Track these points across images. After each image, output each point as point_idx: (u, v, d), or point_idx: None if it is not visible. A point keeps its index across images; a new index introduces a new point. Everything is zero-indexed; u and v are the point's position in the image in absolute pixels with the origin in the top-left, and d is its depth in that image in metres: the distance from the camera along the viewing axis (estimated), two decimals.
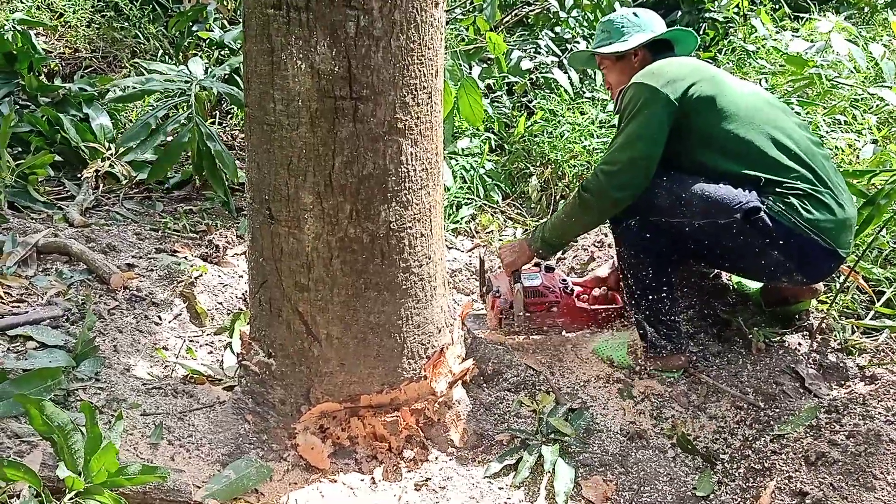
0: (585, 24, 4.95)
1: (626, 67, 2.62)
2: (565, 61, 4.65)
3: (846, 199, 2.28)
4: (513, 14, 5.28)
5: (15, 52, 3.78)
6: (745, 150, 2.26)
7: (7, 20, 4.04)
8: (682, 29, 2.65)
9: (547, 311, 2.74)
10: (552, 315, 2.75)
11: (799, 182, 2.22)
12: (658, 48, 2.59)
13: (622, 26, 2.62)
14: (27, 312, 2.43)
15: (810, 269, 2.30)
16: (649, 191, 2.31)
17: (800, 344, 2.57)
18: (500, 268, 2.93)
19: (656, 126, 2.28)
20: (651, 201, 2.31)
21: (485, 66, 4.66)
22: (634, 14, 2.64)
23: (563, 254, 3.40)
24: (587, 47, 3.60)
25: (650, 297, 2.43)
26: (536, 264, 2.84)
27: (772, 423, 2.26)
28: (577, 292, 2.83)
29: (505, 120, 4.61)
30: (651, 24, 2.62)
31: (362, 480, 2.08)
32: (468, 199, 3.96)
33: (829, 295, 2.74)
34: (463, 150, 4.18)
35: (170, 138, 3.55)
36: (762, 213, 2.18)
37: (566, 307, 2.76)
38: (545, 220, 2.69)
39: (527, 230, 3.76)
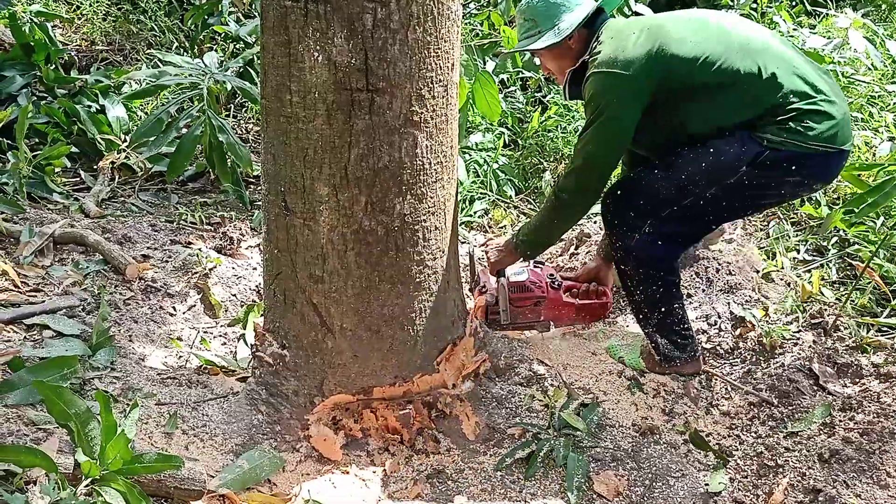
0: None
1: (564, 52, 2.41)
2: None
3: (834, 92, 2.22)
4: None
5: (32, 44, 3.81)
6: (731, 84, 2.18)
7: (25, 12, 4.07)
8: None
9: (533, 306, 2.73)
10: (538, 310, 2.73)
11: (791, 98, 2.16)
12: (590, 19, 2.37)
13: (546, 10, 2.34)
14: (44, 302, 2.46)
15: (825, 175, 2.32)
16: (650, 190, 2.29)
17: (814, 341, 2.55)
18: None
19: (629, 111, 2.24)
20: (656, 197, 2.29)
21: (499, 61, 4.64)
22: None
23: (575, 249, 3.39)
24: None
25: (662, 309, 2.40)
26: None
27: (785, 420, 2.26)
28: (565, 287, 2.81)
29: (519, 115, 4.60)
30: None
31: (374, 472, 2.08)
32: (481, 193, 3.96)
33: (843, 293, 2.72)
34: (477, 144, 4.17)
35: (184, 131, 3.56)
36: (767, 152, 2.16)
37: (553, 302, 2.74)
38: (524, 223, 2.65)
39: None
